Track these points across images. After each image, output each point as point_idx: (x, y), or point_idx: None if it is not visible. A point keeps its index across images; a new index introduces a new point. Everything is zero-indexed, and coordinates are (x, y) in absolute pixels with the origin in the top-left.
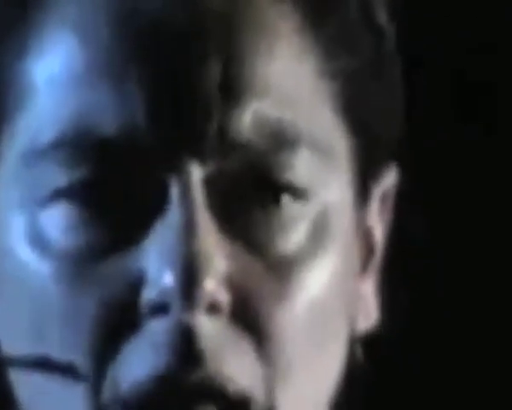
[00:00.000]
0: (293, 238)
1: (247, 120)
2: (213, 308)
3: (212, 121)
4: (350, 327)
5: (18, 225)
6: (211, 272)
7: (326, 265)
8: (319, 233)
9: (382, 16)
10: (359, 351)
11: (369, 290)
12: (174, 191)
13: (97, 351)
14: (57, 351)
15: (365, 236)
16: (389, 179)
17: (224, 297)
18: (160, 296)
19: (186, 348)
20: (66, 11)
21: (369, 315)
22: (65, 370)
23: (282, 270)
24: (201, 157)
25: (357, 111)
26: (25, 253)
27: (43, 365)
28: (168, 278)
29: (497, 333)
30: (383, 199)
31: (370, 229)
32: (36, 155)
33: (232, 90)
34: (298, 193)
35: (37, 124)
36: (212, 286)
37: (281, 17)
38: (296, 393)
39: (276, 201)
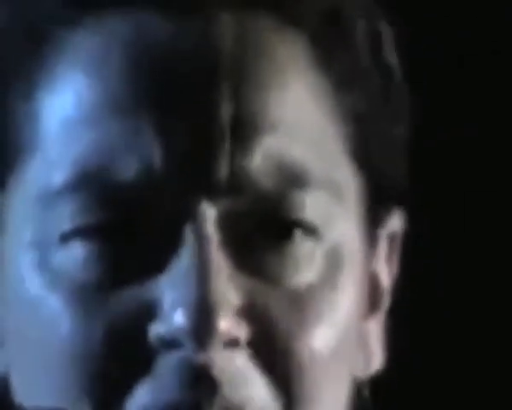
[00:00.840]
0: (306, 273)
1: (258, 158)
2: (232, 343)
3: (222, 160)
4: (351, 367)
5: (29, 263)
6: (224, 309)
7: (342, 297)
8: (332, 269)
9: (391, 54)
10: (367, 395)
11: (374, 335)
12: (188, 230)
13: (106, 385)
14: (65, 383)
15: (372, 279)
16: (395, 222)
17: (241, 332)
18: (170, 334)
19: (200, 382)
20: (77, 52)
21: (372, 359)
22: None
23: (298, 301)
24: (213, 196)
25: (366, 152)
26: (35, 289)
27: None
28: (180, 316)
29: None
30: (390, 242)
31: (377, 273)
32: (49, 196)
33: (243, 128)
34: (309, 230)
35: (48, 165)
36: (228, 324)
37: (292, 56)
38: None
39: (288, 237)
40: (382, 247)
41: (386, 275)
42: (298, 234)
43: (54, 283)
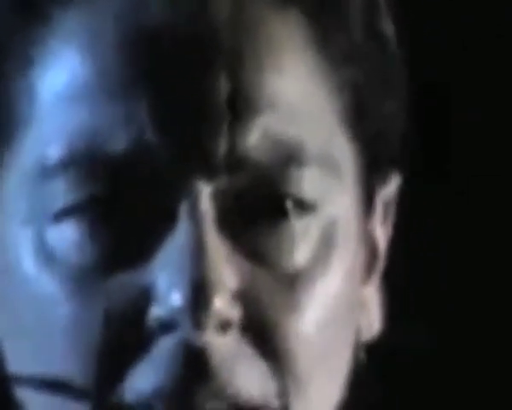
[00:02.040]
0: (301, 251)
1: (255, 137)
2: (224, 325)
3: (220, 139)
4: (356, 335)
5: (24, 240)
6: (220, 291)
7: (334, 276)
8: (327, 246)
9: (387, 25)
10: (363, 357)
11: (372, 298)
12: (183, 209)
13: (104, 367)
14: (62, 367)
15: (369, 242)
16: (392, 186)
17: (234, 314)
18: (168, 315)
19: (194, 365)
20: (71, 26)
21: (372, 324)
22: (72, 391)
23: (292, 282)
24: (210, 175)
25: (363, 123)
26: (31, 267)
27: (52, 386)
28: (177, 297)
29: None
30: (386, 205)
31: (373, 235)
32: (43, 172)
33: (240, 107)
34: (305, 207)
35: (43, 140)
36: (222, 304)
37: (288, 33)
38: (310, 403)
39: (284, 215)
40: (378, 211)
41: (382, 238)
42: (293, 210)
43: (48, 263)
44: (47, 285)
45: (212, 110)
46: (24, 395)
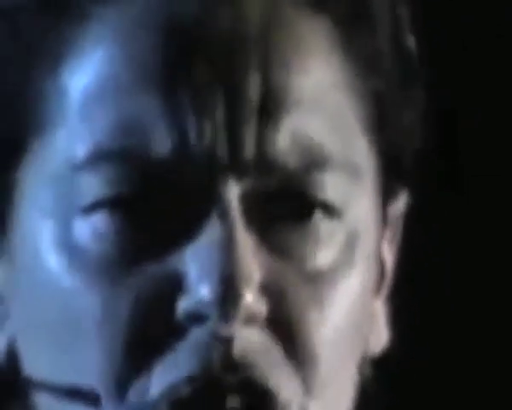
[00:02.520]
0: (325, 253)
1: (284, 139)
2: (251, 319)
3: (250, 141)
4: (364, 346)
5: (48, 233)
6: (249, 285)
7: (355, 281)
8: (350, 250)
9: (410, 39)
10: (369, 371)
11: (380, 313)
12: (214, 208)
13: (131, 358)
14: (87, 361)
15: (379, 258)
16: (401, 202)
17: (261, 308)
18: (197, 307)
19: (223, 357)
20: (105, 22)
21: (379, 337)
22: (90, 399)
23: (316, 281)
24: (240, 176)
25: (383, 132)
26: (53, 261)
27: (69, 393)
28: (206, 290)
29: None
30: (395, 222)
31: (383, 252)
32: (73, 167)
33: (270, 108)
34: (330, 211)
35: (73, 138)
36: (251, 299)
37: (316, 36)
38: (326, 406)
39: (309, 217)
40: (390, 227)
41: (388, 257)
42: (318, 214)
43: (73, 256)
44: (72, 278)
45: (242, 112)
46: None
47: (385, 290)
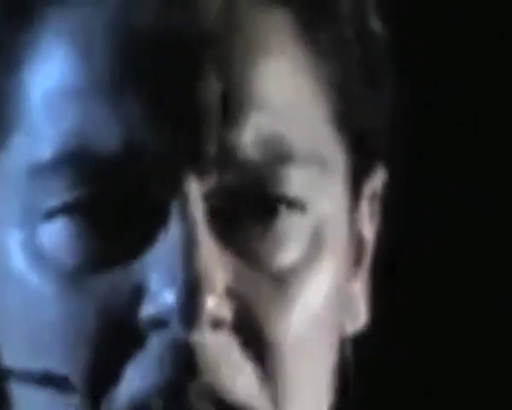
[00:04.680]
0: (290, 251)
1: (247, 137)
2: (215, 324)
3: (212, 138)
4: (341, 331)
5: (16, 240)
6: (212, 290)
7: (322, 276)
8: (316, 245)
9: (374, 22)
10: (349, 350)
11: (358, 292)
12: (174, 207)
13: (97, 366)
14: (55, 366)
15: (356, 237)
16: (378, 179)
17: (225, 312)
18: (159, 313)
19: (185, 363)
20: (62, 25)
21: (358, 317)
22: (64, 386)
23: (281, 282)
24: (201, 173)
25: (350, 118)
26: (21, 265)
27: (43, 380)
28: (168, 296)
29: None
30: (372, 199)
31: (361, 230)
32: (35, 172)
33: (232, 106)
34: (294, 206)
35: (33, 141)
36: (214, 303)
37: (276, 29)
38: (300, 402)
39: (273, 214)
40: (365, 204)
41: (369, 232)
42: (283, 209)
43: (39, 263)
44: (37, 283)
45: (204, 109)
46: (16, 391)
47: (365, 267)
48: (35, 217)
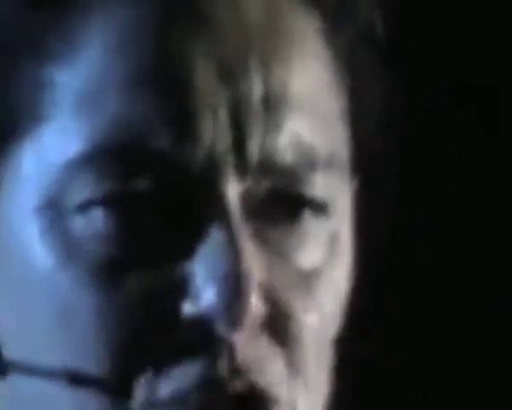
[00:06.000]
0: (315, 253)
1: (286, 140)
2: (254, 322)
3: (255, 141)
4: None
5: (34, 229)
6: (254, 290)
7: (339, 278)
8: (333, 248)
9: (381, 30)
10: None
11: None
12: (216, 208)
13: (137, 359)
14: (83, 363)
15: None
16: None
17: (261, 311)
18: (203, 311)
19: (227, 361)
20: (107, 22)
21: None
22: (93, 383)
23: (307, 282)
24: (242, 174)
25: (356, 121)
26: (43, 258)
27: (71, 378)
28: (212, 294)
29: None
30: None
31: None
32: (66, 163)
33: (272, 109)
34: (319, 209)
35: (66, 132)
36: (256, 301)
37: (307, 31)
38: (311, 394)
39: (301, 215)
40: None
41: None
42: (309, 213)
43: (70, 256)
44: (65, 275)
45: (246, 112)
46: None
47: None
48: (63, 209)
